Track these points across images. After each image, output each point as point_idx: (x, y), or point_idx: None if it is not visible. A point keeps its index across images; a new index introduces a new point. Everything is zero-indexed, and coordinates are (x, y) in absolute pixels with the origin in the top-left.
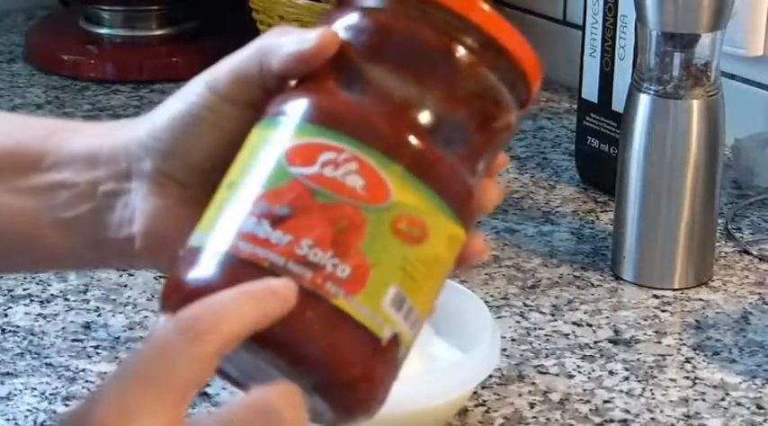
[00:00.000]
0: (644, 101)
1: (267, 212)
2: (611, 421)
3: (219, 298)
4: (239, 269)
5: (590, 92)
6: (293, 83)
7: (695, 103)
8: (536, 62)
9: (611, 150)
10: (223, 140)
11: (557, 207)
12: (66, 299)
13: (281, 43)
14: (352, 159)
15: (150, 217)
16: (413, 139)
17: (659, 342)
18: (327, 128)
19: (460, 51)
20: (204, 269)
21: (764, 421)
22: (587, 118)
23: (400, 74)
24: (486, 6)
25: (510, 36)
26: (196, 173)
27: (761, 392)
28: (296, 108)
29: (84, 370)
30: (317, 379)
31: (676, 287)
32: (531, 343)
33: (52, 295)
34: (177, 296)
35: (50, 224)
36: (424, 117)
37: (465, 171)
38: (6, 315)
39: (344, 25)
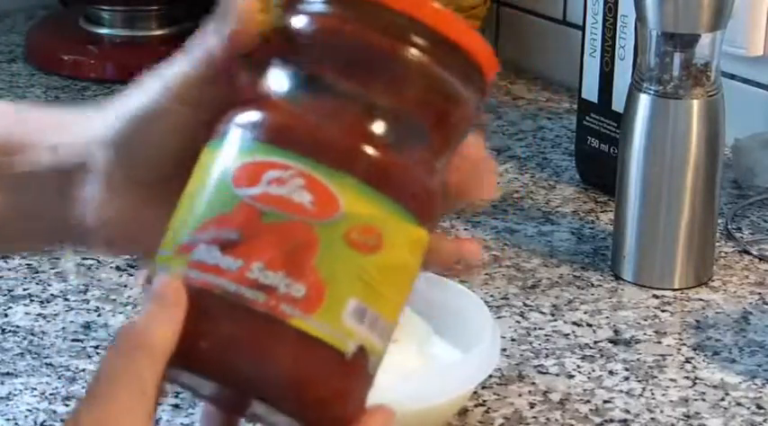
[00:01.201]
0: (644, 101)
1: (216, 238)
2: (611, 421)
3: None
4: (194, 298)
5: (590, 92)
6: (242, 95)
7: (695, 103)
8: (488, 50)
9: (611, 150)
10: (181, 138)
11: (557, 207)
12: (66, 299)
13: (217, 31)
14: (298, 174)
15: (107, 214)
16: (359, 147)
17: (659, 342)
18: (270, 145)
19: (408, 51)
20: None
21: (764, 421)
22: (587, 118)
23: (346, 80)
24: (432, 2)
25: (458, 29)
26: (154, 171)
27: (761, 392)
28: (240, 126)
29: (84, 370)
30: (287, 404)
31: (676, 287)
32: (531, 343)
33: (52, 295)
34: None
35: (10, 211)
36: (372, 122)
37: (422, 171)
38: (6, 315)
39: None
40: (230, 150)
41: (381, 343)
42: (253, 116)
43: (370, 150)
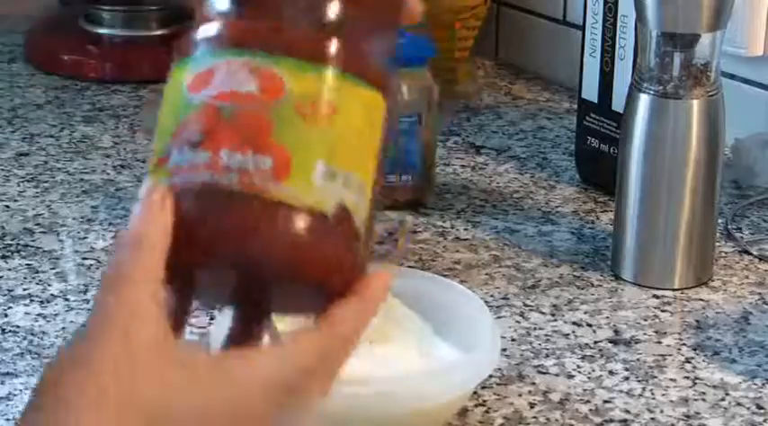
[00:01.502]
0: (644, 101)
1: (185, 141)
2: (611, 421)
3: None
4: (180, 200)
5: (590, 92)
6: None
7: (695, 103)
8: None
9: (611, 150)
10: None
11: (557, 207)
12: (66, 299)
13: None
14: (242, 67)
15: None
16: (296, 31)
17: (659, 342)
18: (219, 50)
19: None
20: None
21: (764, 421)
22: (587, 118)
23: None
24: None
25: None
26: None
27: (761, 392)
28: (195, 44)
29: None
30: (286, 275)
31: (676, 287)
32: (531, 343)
33: (52, 295)
34: None
35: None
36: (306, 12)
37: (359, 43)
38: (6, 315)
39: None
40: (188, 66)
41: (362, 202)
42: (205, 32)
43: (306, 32)
